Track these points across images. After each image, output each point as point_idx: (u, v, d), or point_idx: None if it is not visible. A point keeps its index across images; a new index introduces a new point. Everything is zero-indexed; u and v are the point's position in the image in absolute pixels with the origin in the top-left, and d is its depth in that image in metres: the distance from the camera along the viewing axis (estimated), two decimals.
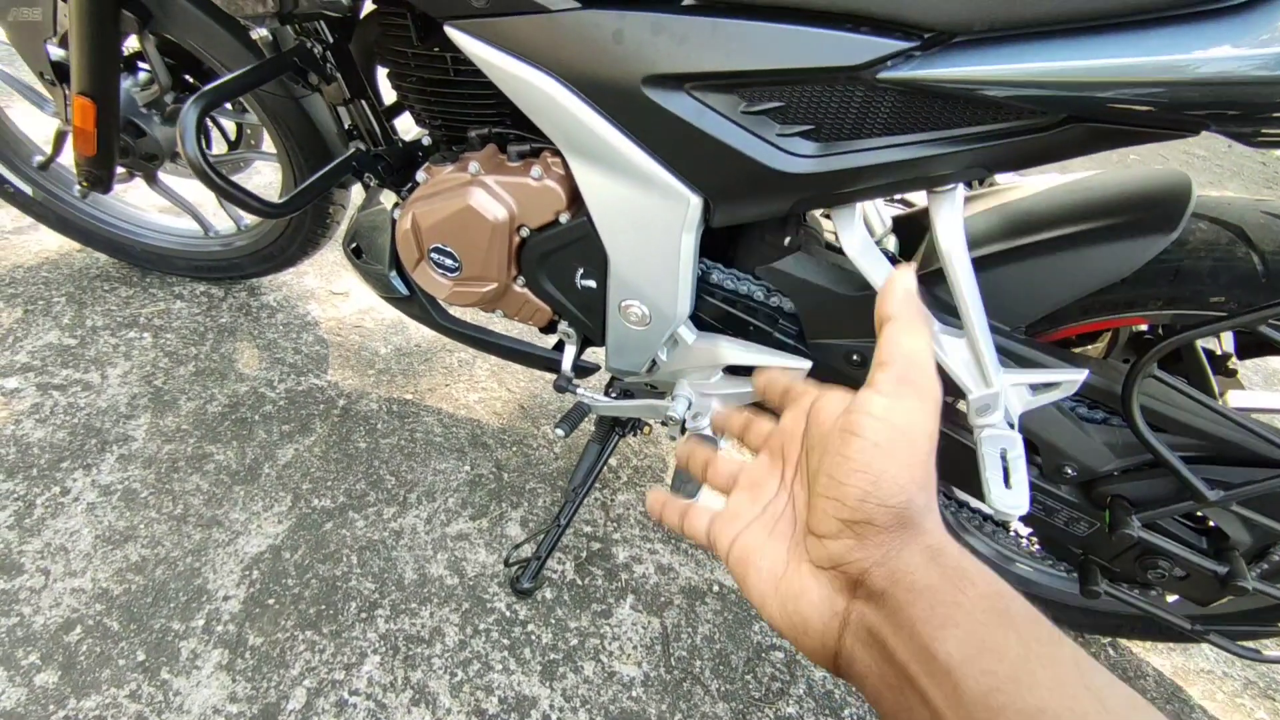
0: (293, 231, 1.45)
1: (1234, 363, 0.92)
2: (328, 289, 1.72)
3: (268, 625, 1.03)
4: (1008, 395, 0.78)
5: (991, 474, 0.76)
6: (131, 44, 1.24)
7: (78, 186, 1.30)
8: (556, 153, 0.85)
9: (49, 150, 1.36)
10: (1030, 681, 0.29)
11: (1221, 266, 0.75)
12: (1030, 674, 0.29)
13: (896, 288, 0.42)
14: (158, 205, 1.63)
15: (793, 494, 0.44)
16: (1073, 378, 0.76)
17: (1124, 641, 1.27)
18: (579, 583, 1.19)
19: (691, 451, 0.54)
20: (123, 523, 1.12)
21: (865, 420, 0.37)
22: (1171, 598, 1.07)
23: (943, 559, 0.35)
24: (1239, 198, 0.79)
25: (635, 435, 1.22)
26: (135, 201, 1.60)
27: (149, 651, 0.98)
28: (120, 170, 1.35)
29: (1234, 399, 0.91)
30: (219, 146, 1.47)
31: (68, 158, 1.32)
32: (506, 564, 1.17)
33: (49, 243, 1.64)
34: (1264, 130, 0.59)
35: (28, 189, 1.48)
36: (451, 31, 0.76)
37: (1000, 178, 1.03)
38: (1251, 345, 0.95)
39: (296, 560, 1.12)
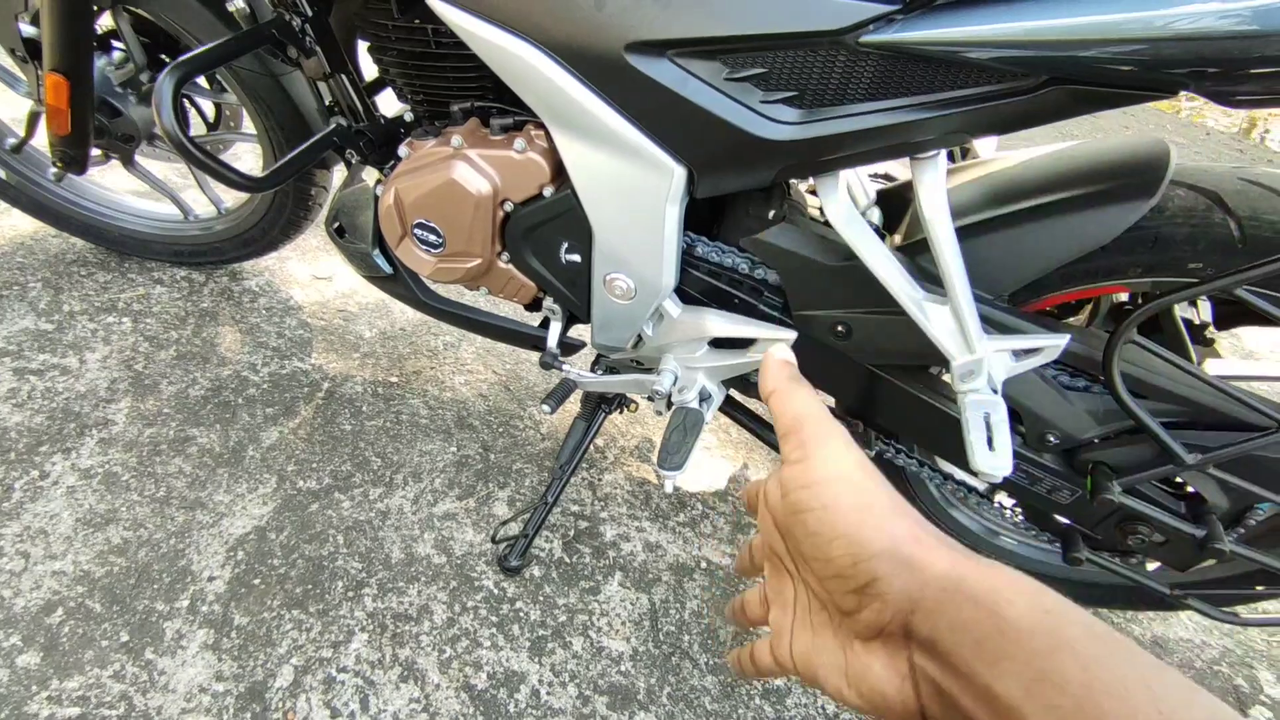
0: (274, 214, 1.44)
1: (1212, 332, 0.94)
2: (311, 273, 1.71)
3: (254, 605, 1.03)
4: (991, 361, 0.78)
5: (975, 437, 0.77)
6: (106, 22, 1.22)
7: (52, 169, 1.28)
8: (540, 125, 0.85)
9: (22, 133, 1.34)
10: (1096, 713, 0.27)
11: (1199, 232, 0.75)
12: (1096, 704, 0.27)
13: (770, 363, 0.44)
14: (135, 189, 1.61)
15: (805, 582, 0.42)
16: (1054, 343, 0.77)
17: (1105, 612, 1.29)
18: (567, 560, 1.19)
19: (733, 616, 0.52)
20: (104, 506, 1.11)
21: (801, 495, 0.37)
22: (1152, 566, 1.09)
23: (968, 586, 0.33)
24: (1216, 165, 0.80)
25: (621, 412, 1.22)
26: (112, 185, 1.58)
27: (132, 632, 0.97)
28: (96, 152, 1.33)
29: (1211, 367, 0.93)
30: (198, 128, 1.45)
31: (41, 141, 1.30)
32: (494, 541, 1.17)
33: (23, 227, 1.61)
34: (1241, 89, 0.60)
35: (0, 172, 1.45)
36: (432, 0, 0.75)
37: (982, 150, 1.04)
38: (1230, 316, 0.96)
39: (282, 541, 1.12)
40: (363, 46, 1.00)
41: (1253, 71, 0.57)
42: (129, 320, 1.45)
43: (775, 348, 0.45)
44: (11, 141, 1.37)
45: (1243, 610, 1.15)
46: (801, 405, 0.40)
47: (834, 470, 0.37)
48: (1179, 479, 0.91)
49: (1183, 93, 0.61)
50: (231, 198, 1.53)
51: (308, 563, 1.10)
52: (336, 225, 1.11)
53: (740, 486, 1.39)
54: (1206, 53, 0.57)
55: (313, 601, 1.05)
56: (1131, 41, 0.58)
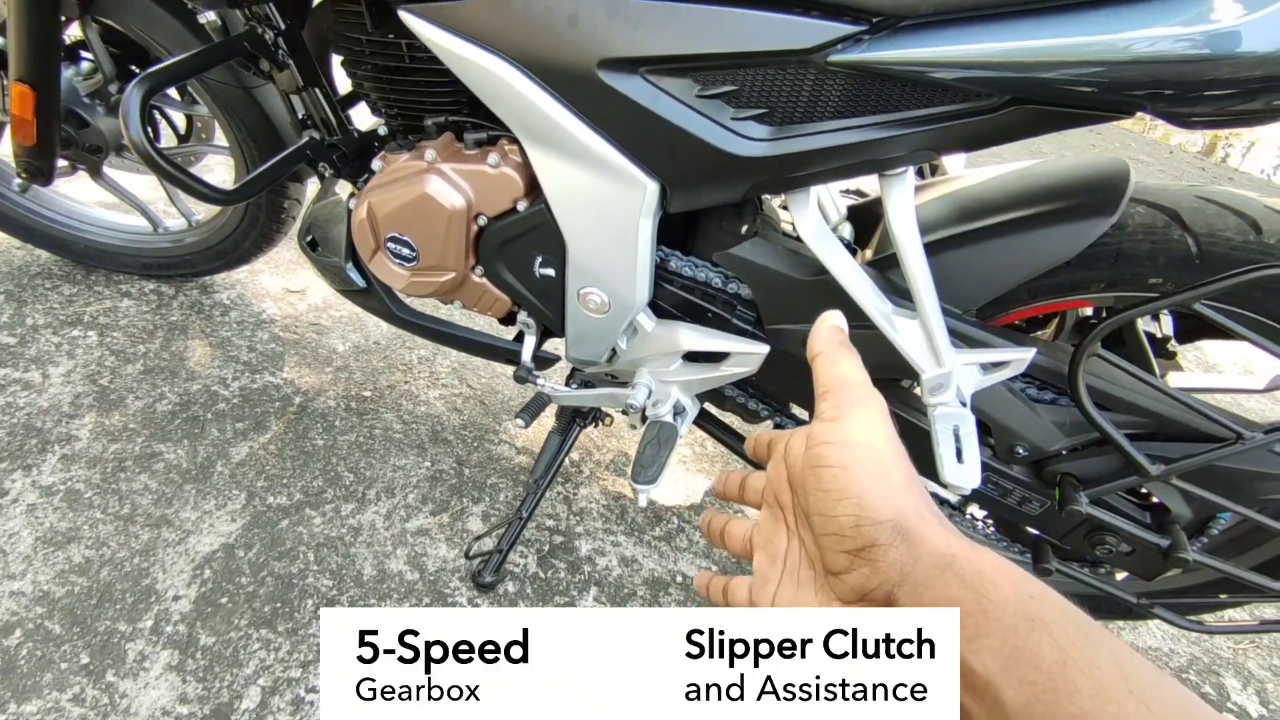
0: (247, 227, 1.42)
1: (1174, 345, 0.96)
2: (284, 286, 1.69)
3: (220, 624, 1.01)
4: (960, 374, 0.79)
5: (944, 449, 0.78)
6: (74, 32, 1.20)
7: (16, 179, 1.26)
8: (514, 140, 0.85)
9: None
10: (1069, 689, 0.28)
11: (1159, 249, 0.77)
12: (1069, 680, 0.29)
13: (823, 326, 0.45)
14: (103, 200, 1.58)
15: (801, 538, 0.43)
16: (1021, 356, 0.79)
17: None
18: (542, 575, 1.18)
19: (710, 521, 0.54)
20: (65, 524, 1.08)
21: (825, 450, 0.38)
22: (1120, 576, 1.10)
23: (957, 565, 0.34)
24: (1174, 183, 0.82)
25: (596, 426, 1.21)
26: (79, 196, 1.55)
27: (93, 654, 0.95)
28: (63, 163, 1.31)
29: (1174, 380, 0.95)
30: (168, 140, 1.43)
31: (5, 151, 1.27)
32: (467, 557, 1.16)
33: None
34: (1196, 110, 0.62)
35: None
36: (405, 16, 0.75)
37: (950, 167, 1.06)
38: (1191, 330, 0.98)
39: (251, 558, 1.10)
40: (336, 60, 0.99)
41: (1205, 94, 0.59)
42: (95, 334, 1.42)
43: (829, 313, 0.45)
44: None
45: (1210, 618, 1.17)
46: (846, 370, 0.41)
47: (863, 435, 0.38)
48: (1144, 489, 0.93)
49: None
50: (203, 210, 1.51)
51: (277, 580, 1.08)
52: (309, 239, 1.10)
53: (715, 501, 1.39)
54: (1163, 75, 0.58)
55: (281, 620, 1.03)
56: (1091, 64, 0.59)
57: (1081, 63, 0.59)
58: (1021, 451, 0.89)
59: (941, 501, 1.07)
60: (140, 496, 1.15)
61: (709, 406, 1.10)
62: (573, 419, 1.17)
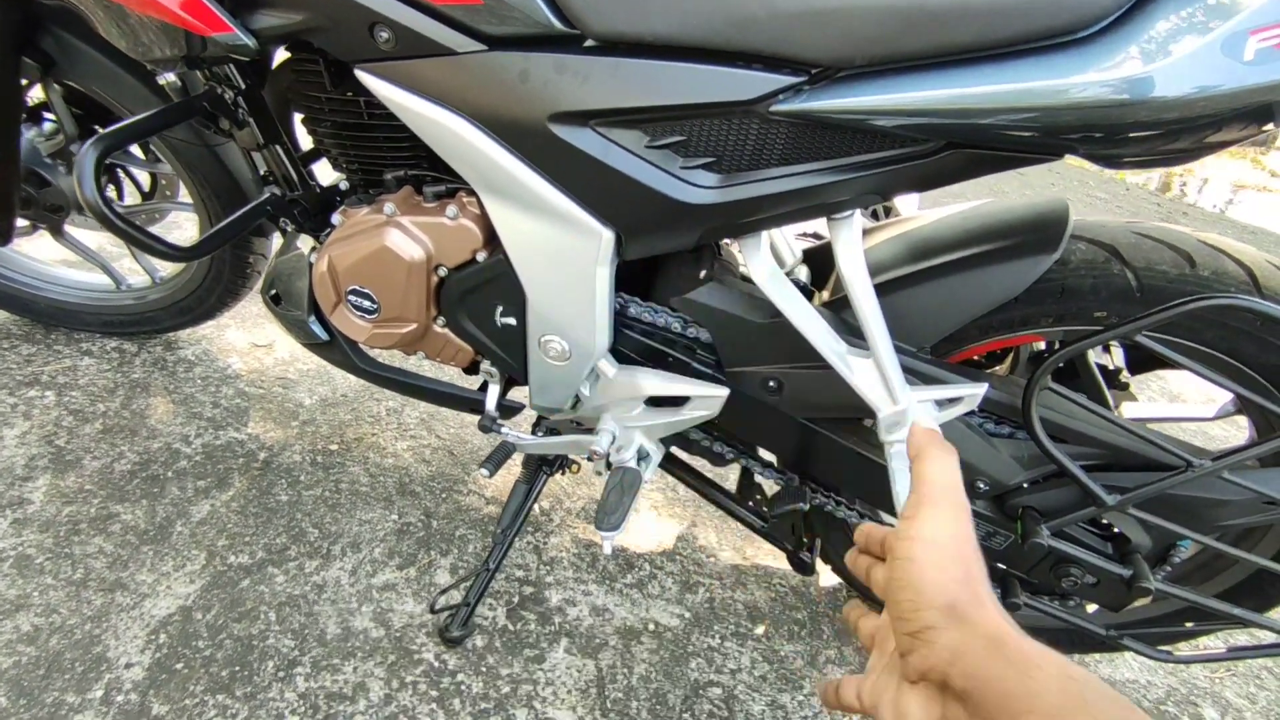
0: (211, 282, 1.42)
1: (1126, 376, 0.98)
2: (250, 341, 1.67)
3: (175, 692, 0.97)
4: (915, 411, 0.80)
5: (900, 487, 0.78)
6: (38, 94, 1.21)
7: None
8: (472, 192, 0.86)
9: None
10: None
11: (1101, 283, 0.80)
12: None
13: (919, 429, 0.51)
14: (65, 259, 1.57)
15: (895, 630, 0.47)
16: (974, 391, 0.80)
17: None
18: (511, 628, 1.16)
19: (850, 611, 0.58)
20: (14, 591, 1.05)
21: (899, 543, 0.44)
22: (1091, 609, 1.11)
23: (1005, 648, 0.37)
24: (1112, 220, 0.85)
25: (564, 474, 1.21)
26: (40, 255, 1.54)
27: None
28: (23, 223, 1.30)
29: (1128, 410, 0.97)
30: (133, 198, 1.43)
31: None
32: (433, 611, 1.13)
33: None
34: (1125, 151, 0.64)
35: None
36: (362, 75, 0.77)
37: (902, 208, 1.09)
38: (1143, 360, 1.01)
39: (209, 621, 1.06)
40: (297, 117, 1.01)
41: (1131, 135, 0.62)
42: (52, 394, 1.40)
43: (919, 421, 0.52)
44: None
45: (1183, 647, 1.17)
46: (934, 470, 0.47)
47: (929, 533, 0.43)
48: (1104, 520, 0.94)
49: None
50: (167, 266, 1.51)
51: (236, 643, 1.05)
52: (273, 293, 1.10)
53: (688, 545, 1.38)
54: (1091, 119, 0.61)
55: (240, 684, 1.00)
56: (1023, 110, 0.62)
57: (1013, 109, 0.62)
58: (982, 486, 0.90)
59: None
60: (94, 560, 1.11)
61: (677, 451, 1.10)
62: (539, 467, 1.16)
